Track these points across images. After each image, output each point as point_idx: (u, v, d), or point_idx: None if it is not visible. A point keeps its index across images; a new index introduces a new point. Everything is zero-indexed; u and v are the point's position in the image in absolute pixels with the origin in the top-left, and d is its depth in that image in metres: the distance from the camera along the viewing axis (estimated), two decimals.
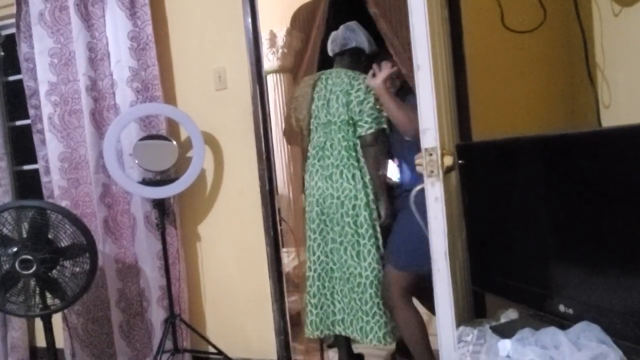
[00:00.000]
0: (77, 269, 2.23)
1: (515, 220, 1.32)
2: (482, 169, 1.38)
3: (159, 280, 2.56)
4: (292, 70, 3.78)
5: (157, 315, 2.57)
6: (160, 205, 2.41)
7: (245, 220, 2.51)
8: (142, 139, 2.41)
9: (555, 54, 1.97)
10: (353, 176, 2.19)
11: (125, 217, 2.62)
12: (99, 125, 2.59)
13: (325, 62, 2.54)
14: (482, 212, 1.40)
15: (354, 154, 2.22)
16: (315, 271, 2.32)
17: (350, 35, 2.35)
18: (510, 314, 1.43)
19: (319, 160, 2.30)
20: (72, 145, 2.65)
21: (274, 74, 3.77)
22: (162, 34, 2.57)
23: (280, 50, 3.73)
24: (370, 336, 2.15)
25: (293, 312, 2.70)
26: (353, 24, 2.37)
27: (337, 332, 2.30)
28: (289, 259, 3.07)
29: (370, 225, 2.16)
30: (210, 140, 2.53)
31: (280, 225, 2.60)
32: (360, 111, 2.18)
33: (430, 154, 1.27)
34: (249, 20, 2.41)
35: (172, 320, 2.44)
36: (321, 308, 2.31)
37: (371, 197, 2.18)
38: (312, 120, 2.37)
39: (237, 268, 2.55)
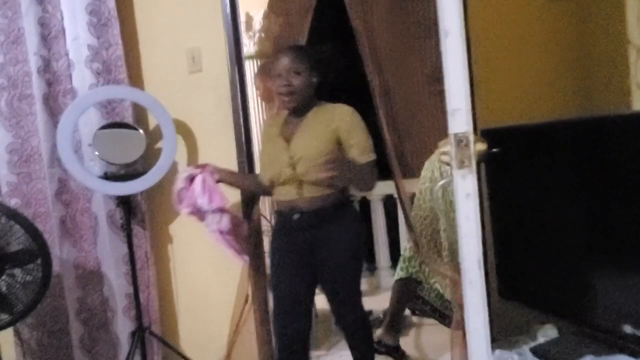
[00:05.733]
0: (28, 278, 1.92)
1: (558, 216, 1.12)
2: (512, 158, 1.17)
3: (125, 288, 2.27)
4: (270, 56, 3.52)
5: (123, 326, 2.29)
6: (126, 204, 2.12)
7: None
8: (103, 127, 2.11)
9: (569, 28, 1.76)
10: None
11: (86, 217, 2.32)
12: (54, 112, 2.27)
13: None
14: (513, 209, 1.20)
15: None
16: None
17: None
18: (549, 332, 1.23)
19: None
20: (22, 135, 2.31)
21: (251, 60, 3.49)
22: (127, 8, 2.27)
23: (257, 35, 3.45)
24: None
25: None
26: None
27: None
28: None
29: None
30: (183, 129, 2.25)
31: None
32: None
33: (461, 141, 1.04)
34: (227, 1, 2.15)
35: (140, 333, 2.15)
36: None
37: None
38: None
39: (214, 272, 2.28)
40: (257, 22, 3.45)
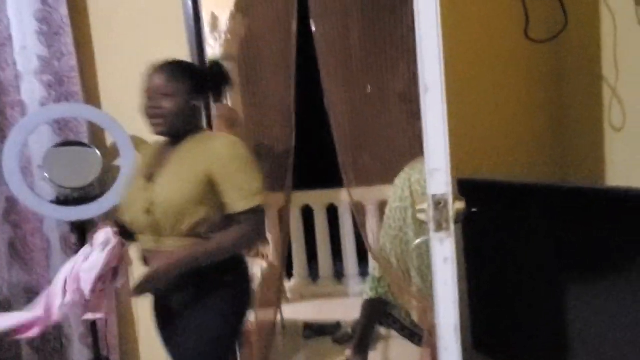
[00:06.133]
0: None
1: (531, 274, 1.09)
2: (489, 213, 1.13)
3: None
4: (237, 59, 3.39)
5: (80, 355, 2.17)
6: (81, 228, 1.98)
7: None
8: (55, 146, 1.96)
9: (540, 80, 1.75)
10: None
11: (37, 238, 2.16)
12: (1, 126, 2.09)
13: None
14: (487, 263, 1.16)
15: None
16: None
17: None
18: None
19: None
20: None
21: None
22: (81, 16, 2.10)
23: (222, 36, 3.31)
24: None
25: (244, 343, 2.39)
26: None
27: None
28: None
29: None
30: (143, 148, 2.11)
31: None
32: None
33: (440, 203, 0.98)
34: (190, 3, 2.02)
35: None
36: None
37: None
38: None
39: None
40: (223, 23, 3.30)
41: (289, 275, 3.73)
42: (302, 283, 3.75)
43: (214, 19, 3.27)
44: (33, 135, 1.99)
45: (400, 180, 2.34)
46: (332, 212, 3.69)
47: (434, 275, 1.02)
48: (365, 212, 3.29)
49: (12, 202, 2.12)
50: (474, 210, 1.11)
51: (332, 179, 2.89)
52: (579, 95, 1.60)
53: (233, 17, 3.30)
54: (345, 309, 3.23)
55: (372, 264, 2.77)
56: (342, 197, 3.46)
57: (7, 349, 2.22)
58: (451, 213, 0.98)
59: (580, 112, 1.59)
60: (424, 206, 1.03)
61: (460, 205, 1.01)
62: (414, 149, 2.35)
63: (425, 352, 2.15)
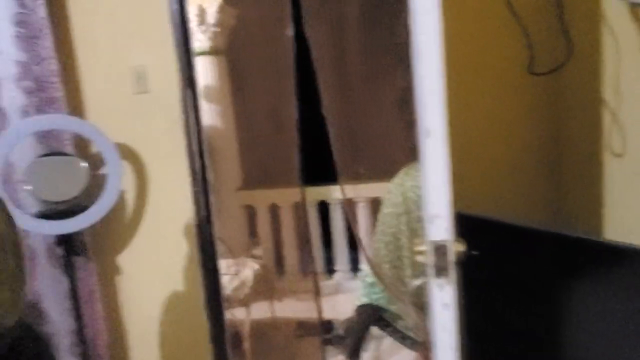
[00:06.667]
0: None
1: (528, 320, 1.07)
2: (486, 253, 1.10)
3: (70, 324, 2.10)
4: (227, 52, 3.30)
5: None
6: (67, 242, 1.93)
7: (176, 251, 2.10)
8: (37, 158, 1.88)
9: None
10: None
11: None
12: None
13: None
14: (483, 304, 1.14)
15: None
16: None
17: None
18: None
19: None
20: None
21: (204, 56, 3.26)
22: (61, 18, 2.00)
23: (211, 29, 3.21)
24: None
25: (236, 344, 2.39)
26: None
27: None
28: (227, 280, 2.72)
29: None
30: (130, 155, 2.05)
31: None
32: None
33: (440, 249, 0.95)
34: (175, 6, 1.92)
35: None
36: None
37: None
38: None
39: (168, 307, 2.15)
40: (211, 16, 3.20)
41: (331, 271, 3.68)
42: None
43: (202, 12, 3.17)
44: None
45: (394, 185, 2.30)
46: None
47: (433, 319, 0.99)
48: (356, 209, 3.27)
49: None
50: (474, 252, 1.09)
51: (323, 176, 2.86)
52: (579, 124, 1.57)
53: (221, 9, 3.20)
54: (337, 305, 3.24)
55: (365, 269, 2.76)
56: (334, 194, 3.42)
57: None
58: (452, 259, 0.95)
59: (581, 139, 1.56)
60: (422, 248, 0.99)
61: (460, 247, 0.98)
62: (408, 152, 2.32)
63: (419, 355, 2.16)
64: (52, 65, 1.98)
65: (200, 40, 3.19)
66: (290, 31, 2.23)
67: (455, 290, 0.97)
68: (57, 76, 1.98)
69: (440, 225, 0.94)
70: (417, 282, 1.11)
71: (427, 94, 0.90)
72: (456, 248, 0.98)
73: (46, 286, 2.09)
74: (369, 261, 2.34)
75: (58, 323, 2.12)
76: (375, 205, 2.98)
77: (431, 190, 0.94)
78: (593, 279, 1.00)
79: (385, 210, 2.33)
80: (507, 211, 1.39)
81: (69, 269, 1.97)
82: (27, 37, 1.93)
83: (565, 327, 1.06)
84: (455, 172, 0.97)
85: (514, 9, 1.56)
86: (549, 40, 1.58)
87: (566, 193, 1.70)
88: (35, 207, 1.93)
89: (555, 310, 1.13)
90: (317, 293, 3.53)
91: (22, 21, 1.91)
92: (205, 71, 3.24)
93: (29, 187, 1.84)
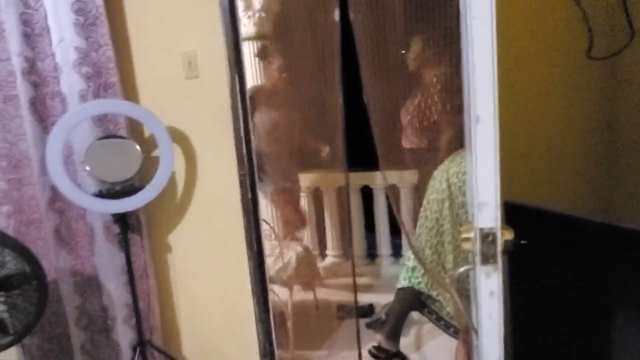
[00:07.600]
0: (21, 302, 1.87)
1: (585, 311, 1.05)
2: (536, 244, 1.08)
3: (124, 298, 2.23)
4: (273, 37, 3.32)
5: (124, 336, 2.26)
6: (122, 220, 2.03)
7: (224, 231, 2.17)
8: (96, 141, 1.98)
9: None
10: None
11: (81, 224, 2.24)
12: (42, 116, 2.13)
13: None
14: (531, 296, 1.12)
15: None
16: None
17: None
18: None
19: None
20: (9, 138, 2.19)
21: (251, 42, 3.30)
22: (116, 6, 2.08)
23: (256, 14, 3.24)
24: None
25: (279, 323, 2.46)
26: None
27: None
28: (271, 261, 2.78)
29: None
30: (180, 138, 2.13)
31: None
32: None
33: (487, 236, 0.95)
34: None
35: (142, 348, 2.13)
36: None
37: None
38: None
39: (215, 284, 2.24)
40: (256, 1, 3.23)
41: (373, 256, 3.74)
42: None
43: None
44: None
45: (439, 172, 2.29)
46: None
47: (478, 308, 0.99)
48: (400, 195, 3.27)
49: (56, 191, 2.17)
50: (523, 242, 1.08)
51: (367, 160, 2.87)
52: (635, 111, 1.49)
53: None
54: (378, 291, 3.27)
55: (407, 254, 2.76)
56: (378, 180, 3.42)
57: (55, 325, 2.35)
58: (499, 247, 0.95)
59: (636, 127, 1.48)
60: (469, 235, 0.99)
61: (509, 236, 0.98)
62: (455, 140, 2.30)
63: (460, 346, 2.15)
64: (109, 51, 2.07)
65: (246, 25, 3.23)
66: (336, 16, 2.23)
67: (502, 279, 0.96)
68: (113, 62, 2.07)
69: (487, 213, 0.94)
70: (461, 269, 1.10)
71: (478, 80, 0.89)
72: (504, 236, 0.97)
73: (103, 261, 2.22)
74: (411, 246, 2.35)
75: (114, 296, 2.25)
76: (417, 191, 2.97)
77: (479, 177, 0.93)
78: None
79: (430, 196, 2.32)
80: (557, 200, 1.35)
81: (124, 245, 2.08)
82: (85, 24, 2.02)
83: (611, 319, 1.04)
84: (504, 160, 0.96)
85: None
86: (609, 24, 1.51)
87: (618, 183, 1.63)
88: (94, 187, 2.04)
89: (603, 301, 1.10)
90: (356, 276, 3.58)
91: (80, 9, 2.00)
92: (251, 56, 3.29)
93: (88, 168, 1.95)
